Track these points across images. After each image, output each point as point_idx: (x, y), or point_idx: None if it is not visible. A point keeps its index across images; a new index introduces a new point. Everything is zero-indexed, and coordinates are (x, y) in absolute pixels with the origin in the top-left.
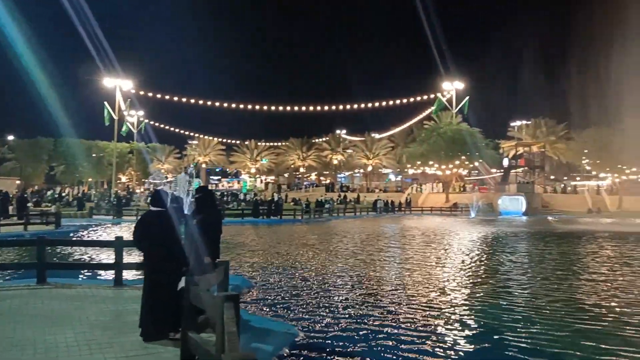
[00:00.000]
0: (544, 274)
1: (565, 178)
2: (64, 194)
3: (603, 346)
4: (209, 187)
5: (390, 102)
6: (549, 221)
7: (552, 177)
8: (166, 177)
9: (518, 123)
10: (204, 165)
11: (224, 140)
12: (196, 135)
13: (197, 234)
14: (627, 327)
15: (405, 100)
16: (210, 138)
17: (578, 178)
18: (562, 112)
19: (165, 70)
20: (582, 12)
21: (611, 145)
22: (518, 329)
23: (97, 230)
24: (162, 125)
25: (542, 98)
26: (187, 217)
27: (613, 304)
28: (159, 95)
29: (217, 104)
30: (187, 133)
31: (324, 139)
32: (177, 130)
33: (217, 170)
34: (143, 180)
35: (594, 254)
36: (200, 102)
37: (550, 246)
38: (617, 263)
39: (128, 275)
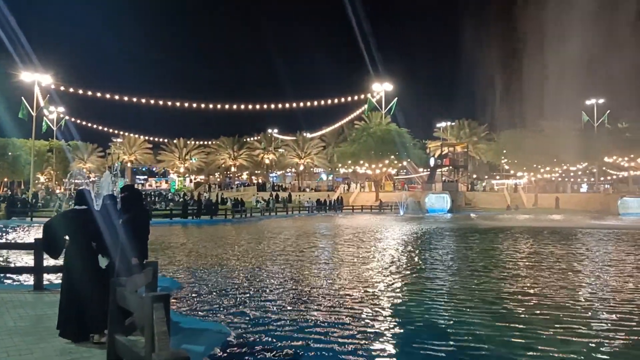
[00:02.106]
0: (466, 269)
1: (486, 177)
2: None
3: (524, 343)
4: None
5: (322, 102)
6: (471, 218)
7: (474, 175)
8: (88, 177)
9: (443, 124)
10: (129, 165)
11: (151, 139)
12: (121, 133)
13: (124, 234)
14: (545, 325)
15: (336, 101)
16: (136, 136)
17: (498, 177)
18: (484, 114)
19: (89, 65)
20: (503, 21)
21: (527, 146)
22: (443, 328)
23: (13, 232)
24: (84, 123)
25: (465, 100)
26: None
27: (533, 298)
28: (81, 91)
29: (143, 100)
30: (111, 131)
31: (255, 138)
32: (100, 127)
33: (144, 169)
34: (63, 179)
35: (512, 249)
36: (126, 98)
37: (472, 242)
38: (533, 258)
39: (49, 278)
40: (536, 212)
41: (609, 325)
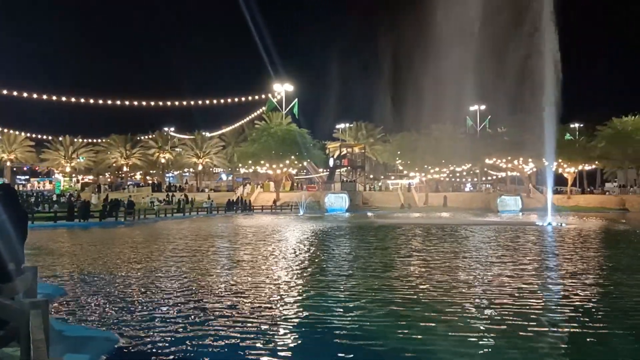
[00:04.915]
0: (364, 269)
1: (382, 177)
2: None
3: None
4: (15, 188)
5: (222, 101)
6: (368, 216)
7: (371, 176)
8: None
9: (342, 125)
10: (8, 164)
11: (34, 136)
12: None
13: None
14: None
15: (236, 99)
16: (17, 133)
17: (393, 177)
18: (380, 117)
19: None
20: (395, 29)
21: (419, 148)
22: (345, 331)
23: None
24: None
25: (363, 103)
26: None
27: (426, 292)
28: None
29: (25, 94)
30: None
31: (150, 137)
32: None
33: (26, 168)
34: None
35: (405, 246)
36: (5, 92)
37: (369, 240)
38: (423, 255)
39: None
40: (427, 210)
41: (502, 316)
